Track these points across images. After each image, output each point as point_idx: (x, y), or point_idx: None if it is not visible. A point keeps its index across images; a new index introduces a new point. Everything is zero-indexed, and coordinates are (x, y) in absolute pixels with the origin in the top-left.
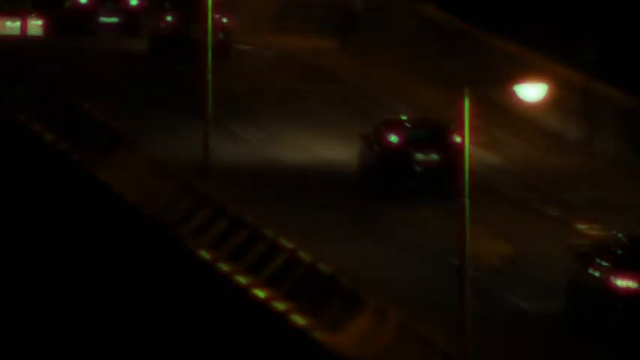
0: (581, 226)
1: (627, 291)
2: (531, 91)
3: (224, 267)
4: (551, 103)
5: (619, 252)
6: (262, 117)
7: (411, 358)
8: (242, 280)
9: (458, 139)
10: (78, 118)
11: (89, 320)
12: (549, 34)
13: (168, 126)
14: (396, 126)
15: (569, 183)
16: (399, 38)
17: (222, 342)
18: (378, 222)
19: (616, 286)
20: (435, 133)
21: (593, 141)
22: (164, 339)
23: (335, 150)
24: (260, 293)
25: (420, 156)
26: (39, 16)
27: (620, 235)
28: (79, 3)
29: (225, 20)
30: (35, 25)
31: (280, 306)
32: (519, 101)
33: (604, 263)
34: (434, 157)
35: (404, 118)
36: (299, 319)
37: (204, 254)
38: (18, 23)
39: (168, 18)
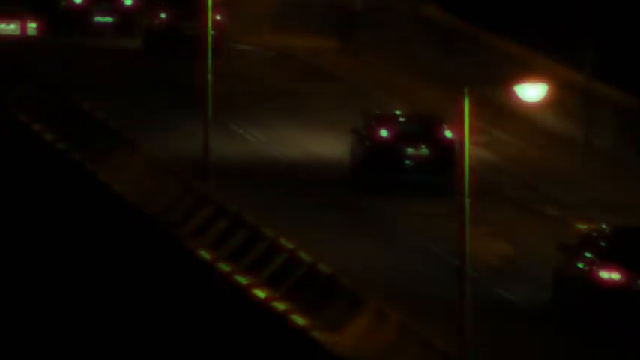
0: (581, 226)
1: (611, 283)
2: (531, 91)
3: (224, 267)
4: (551, 103)
5: (602, 244)
6: (262, 117)
7: (411, 358)
8: (242, 280)
9: (449, 134)
10: (79, 118)
11: (89, 320)
12: (549, 34)
13: (168, 125)
14: (386, 121)
15: (569, 183)
16: (399, 38)
17: (222, 342)
18: (378, 222)
19: (600, 277)
20: (426, 128)
21: (592, 141)
22: (164, 339)
23: (335, 149)
24: (260, 293)
25: (410, 150)
26: (33, 18)
27: (603, 226)
28: (74, 3)
29: (218, 17)
30: (30, 28)
31: (280, 306)
32: (519, 101)
33: (588, 255)
34: (424, 151)
35: (398, 112)
36: (299, 319)
37: (205, 254)
38: (13, 26)
39: (162, 15)
